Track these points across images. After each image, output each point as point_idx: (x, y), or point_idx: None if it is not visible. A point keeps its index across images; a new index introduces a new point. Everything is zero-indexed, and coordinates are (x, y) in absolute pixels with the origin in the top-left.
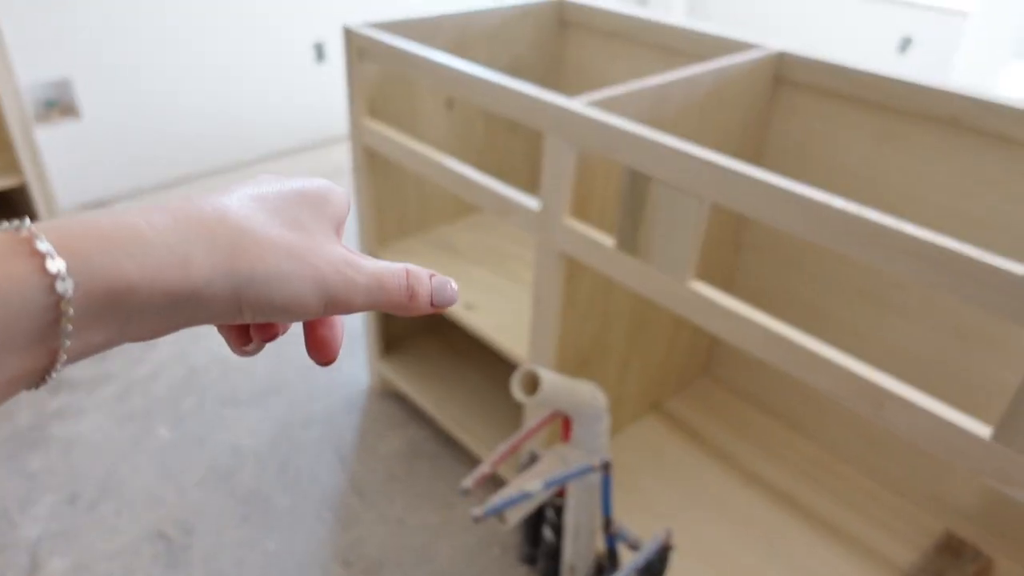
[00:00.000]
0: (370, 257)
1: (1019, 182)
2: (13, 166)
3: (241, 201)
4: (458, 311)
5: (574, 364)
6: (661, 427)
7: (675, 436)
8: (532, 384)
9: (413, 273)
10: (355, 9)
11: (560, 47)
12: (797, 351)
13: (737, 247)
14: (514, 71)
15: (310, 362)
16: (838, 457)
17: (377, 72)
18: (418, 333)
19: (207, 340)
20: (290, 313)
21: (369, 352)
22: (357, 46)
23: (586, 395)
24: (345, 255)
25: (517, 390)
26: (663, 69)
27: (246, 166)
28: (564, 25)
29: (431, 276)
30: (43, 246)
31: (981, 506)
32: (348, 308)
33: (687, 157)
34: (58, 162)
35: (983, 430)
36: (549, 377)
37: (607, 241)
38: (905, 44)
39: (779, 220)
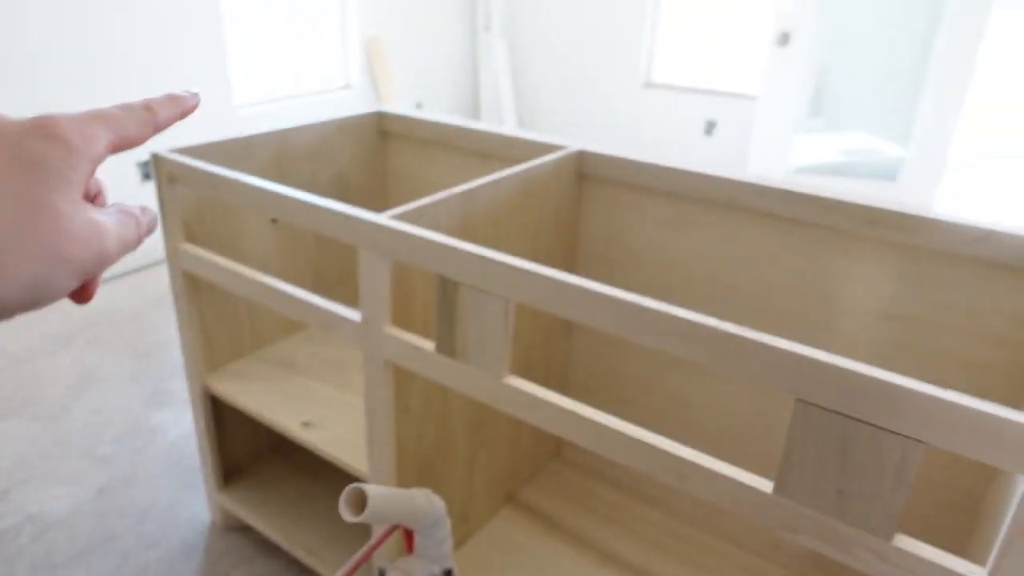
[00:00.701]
0: (89, 204)
1: (791, 254)
2: None
3: None
4: (296, 430)
5: (416, 469)
6: (518, 519)
7: (531, 526)
8: (361, 502)
9: (132, 212)
10: (175, 128)
11: (383, 158)
12: (606, 433)
13: (568, 331)
14: (339, 184)
15: (141, 505)
16: (683, 521)
17: (193, 194)
18: (260, 457)
19: (16, 495)
20: (42, 307)
21: (207, 485)
22: (167, 172)
23: (421, 503)
24: (93, 220)
25: (345, 511)
26: (480, 173)
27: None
28: (385, 136)
29: (141, 210)
30: None
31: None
32: (102, 271)
33: (488, 262)
34: None
35: (766, 485)
36: (376, 492)
37: (428, 346)
38: (710, 127)
39: (570, 312)
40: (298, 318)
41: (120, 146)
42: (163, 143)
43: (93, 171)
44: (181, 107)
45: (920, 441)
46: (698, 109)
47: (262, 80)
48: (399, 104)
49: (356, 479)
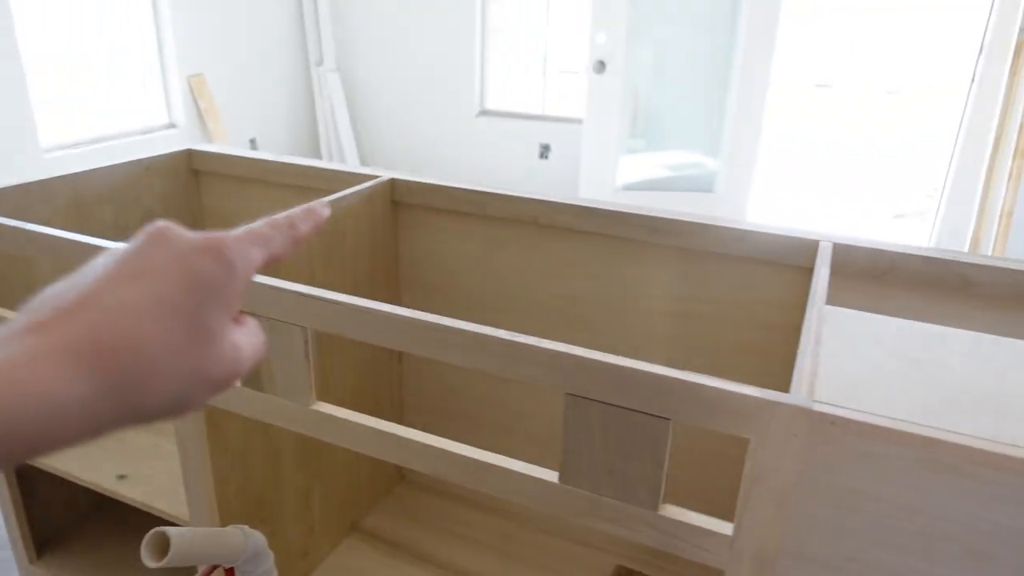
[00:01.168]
0: (233, 325)
1: (590, 265)
2: None
3: (142, 310)
4: (111, 484)
5: (242, 510)
6: (362, 547)
7: (376, 553)
8: (164, 546)
9: (258, 328)
10: None
11: (196, 197)
12: (407, 444)
13: (398, 356)
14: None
15: None
16: (521, 524)
17: None
18: (82, 519)
19: None
20: (176, 419)
21: (18, 558)
22: None
23: (235, 540)
24: (235, 343)
25: (147, 557)
26: (292, 205)
27: None
28: (197, 175)
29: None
30: None
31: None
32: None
33: (280, 292)
34: None
35: (553, 476)
36: (179, 533)
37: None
38: (545, 151)
39: (361, 334)
40: None
41: (267, 264)
42: None
43: (245, 291)
44: (316, 220)
45: (666, 418)
46: (532, 134)
47: (78, 121)
48: (228, 145)
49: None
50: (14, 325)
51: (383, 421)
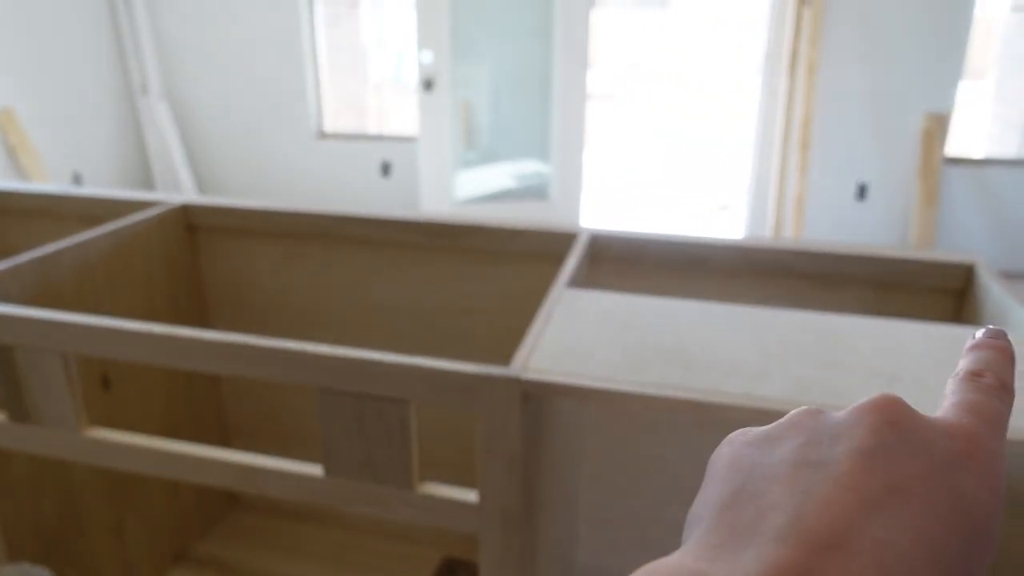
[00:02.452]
0: None
1: (385, 271)
2: None
3: (909, 561)
4: None
5: (38, 550)
6: (190, 575)
7: None
8: None
9: None
10: None
11: None
12: (182, 459)
13: (216, 379)
14: None
15: None
16: (356, 532)
17: None
18: None
19: None
20: None
21: None
22: None
23: None
24: None
25: None
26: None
27: None
28: None
29: None
30: None
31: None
32: None
33: (34, 322)
34: None
35: (318, 470)
36: None
37: None
38: (386, 169)
39: (134, 355)
40: None
41: None
42: None
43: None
44: (1000, 348)
45: (406, 400)
46: (372, 153)
47: None
48: (48, 182)
49: None
50: (726, 549)
51: (156, 439)
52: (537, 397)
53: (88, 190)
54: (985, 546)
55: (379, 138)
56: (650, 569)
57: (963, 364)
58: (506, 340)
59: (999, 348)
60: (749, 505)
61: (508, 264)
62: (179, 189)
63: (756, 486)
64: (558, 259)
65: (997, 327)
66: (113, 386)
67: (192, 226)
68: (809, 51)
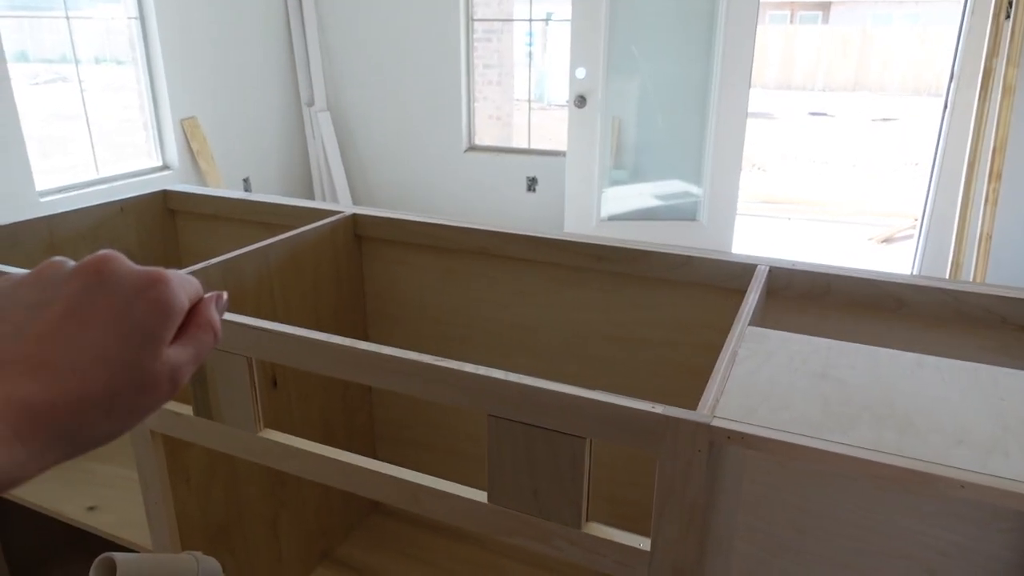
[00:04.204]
0: (170, 349)
1: (538, 291)
2: None
3: (85, 369)
4: (80, 516)
5: (205, 539)
6: None
7: None
8: (111, 573)
9: (210, 319)
10: None
11: (172, 234)
12: (345, 469)
13: (369, 387)
14: None
15: None
16: (493, 551)
17: None
18: (55, 551)
19: None
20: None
21: None
22: None
23: (188, 566)
24: (172, 368)
25: None
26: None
27: None
28: (172, 214)
29: (217, 299)
30: None
31: None
32: None
33: (226, 324)
34: None
35: (482, 496)
36: (128, 560)
37: (186, 410)
38: (532, 184)
39: (311, 364)
40: None
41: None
42: None
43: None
44: (222, 306)
45: (581, 437)
46: (518, 167)
47: (73, 166)
48: (222, 186)
49: None
50: None
51: (325, 447)
52: (720, 444)
53: (266, 197)
54: (159, 343)
55: (526, 152)
56: None
57: None
58: (665, 373)
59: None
60: None
61: (671, 292)
62: (336, 197)
63: (10, 324)
64: (728, 291)
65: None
66: (279, 386)
67: (359, 236)
68: (1008, 70)
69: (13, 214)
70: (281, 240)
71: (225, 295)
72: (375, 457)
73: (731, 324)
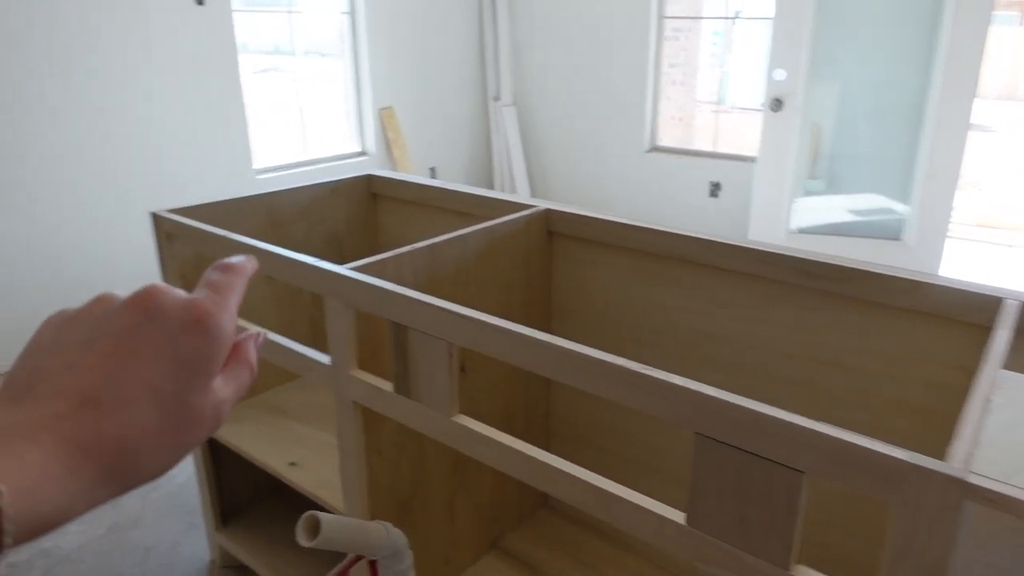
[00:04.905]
0: (215, 385)
1: (739, 304)
2: None
3: (136, 402)
4: (283, 470)
5: (391, 509)
6: (501, 565)
7: (514, 573)
8: (316, 528)
9: (248, 358)
10: (203, 191)
11: (373, 216)
12: (538, 466)
13: (547, 383)
14: (332, 243)
15: (146, 543)
16: (664, 570)
17: (191, 250)
18: (257, 497)
19: None
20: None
21: (207, 525)
22: (165, 230)
23: (378, 534)
24: (216, 404)
25: (301, 536)
26: (456, 229)
27: None
28: (375, 197)
29: (255, 340)
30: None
31: None
32: None
33: (428, 307)
34: None
35: (680, 516)
36: (328, 519)
37: (387, 386)
38: (715, 189)
39: (499, 353)
40: (278, 363)
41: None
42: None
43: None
44: (253, 266)
45: (800, 471)
46: (703, 171)
47: (284, 148)
48: (411, 173)
49: None
50: (14, 402)
51: (519, 441)
52: (972, 504)
53: (461, 187)
54: (207, 376)
55: (711, 156)
56: None
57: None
58: (878, 408)
59: (239, 269)
60: (32, 373)
61: (893, 319)
62: (515, 190)
63: (42, 359)
64: (965, 325)
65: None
66: (466, 372)
67: (550, 232)
68: None
69: (235, 189)
70: (479, 230)
71: (262, 336)
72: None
73: (968, 362)
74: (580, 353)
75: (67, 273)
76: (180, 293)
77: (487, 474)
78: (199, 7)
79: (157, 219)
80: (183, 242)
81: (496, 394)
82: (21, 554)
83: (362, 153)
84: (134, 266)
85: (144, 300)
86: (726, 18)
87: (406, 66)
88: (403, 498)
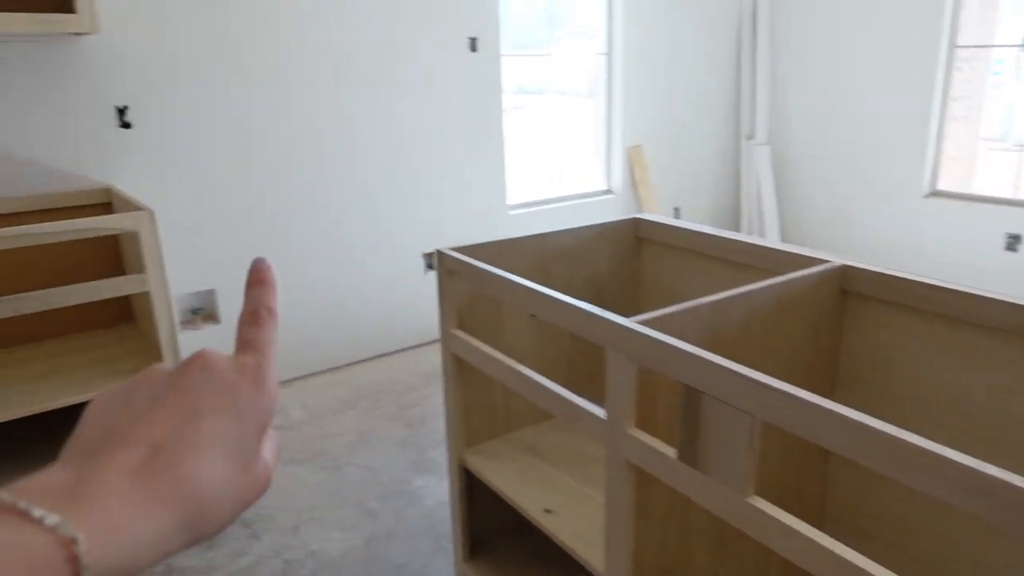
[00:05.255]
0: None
1: None
2: None
3: (206, 452)
4: (538, 514)
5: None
6: None
7: None
8: None
9: (278, 438)
10: (459, 226)
11: (637, 263)
12: (846, 568)
13: (825, 457)
14: (593, 287)
15: (398, 560)
16: None
17: (467, 287)
18: (504, 534)
19: (304, 532)
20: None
21: (455, 552)
22: (447, 266)
23: None
24: (265, 462)
25: None
26: (733, 284)
27: (356, 365)
28: (640, 242)
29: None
30: (83, 556)
31: None
32: None
33: (734, 375)
34: None
35: None
36: None
37: (670, 452)
38: (1013, 242)
39: (822, 438)
40: (547, 408)
41: None
42: (447, 241)
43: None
44: (271, 283)
45: None
46: (996, 220)
47: (532, 185)
48: (656, 213)
49: (590, 574)
50: (86, 457)
51: (827, 537)
52: None
53: (743, 237)
54: (261, 430)
55: (1007, 203)
56: (31, 480)
57: (244, 306)
58: None
59: (263, 281)
60: (100, 431)
61: None
62: (763, 234)
63: (107, 419)
64: None
65: (260, 258)
66: None
67: (844, 291)
68: None
69: (489, 225)
70: (768, 286)
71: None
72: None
73: None
74: (924, 449)
75: (331, 303)
76: (228, 355)
77: (750, 549)
78: (473, 53)
79: (441, 256)
80: (462, 278)
81: (767, 465)
82: (295, 552)
83: (608, 191)
84: (395, 296)
85: (199, 361)
86: (1013, 46)
87: (656, 104)
88: (667, 566)
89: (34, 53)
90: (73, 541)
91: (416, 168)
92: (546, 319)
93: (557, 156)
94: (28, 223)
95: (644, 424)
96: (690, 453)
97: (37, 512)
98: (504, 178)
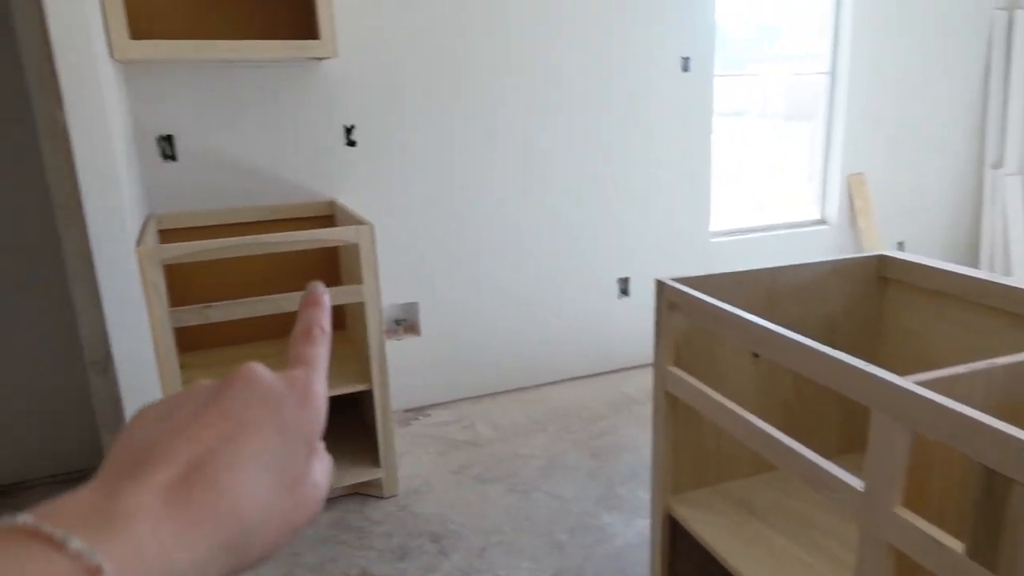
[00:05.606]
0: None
1: None
2: (364, 375)
3: (248, 472)
4: None
5: None
6: None
7: None
8: None
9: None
10: (658, 251)
11: (877, 306)
12: None
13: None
14: (826, 328)
15: None
16: None
17: (686, 321)
18: None
19: (491, 555)
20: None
21: None
22: (668, 299)
23: None
24: (315, 482)
25: None
26: (1010, 341)
27: (544, 387)
28: (883, 282)
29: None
30: None
31: None
32: None
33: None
34: (394, 371)
35: None
36: None
37: (954, 544)
38: None
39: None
40: (778, 464)
41: None
42: (643, 267)
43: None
44: (323, 307)
45: None
46: None
47: (733, 211)
48: (877, 246)
49: None
50: (122, 478)
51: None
52: None
53: (1014, 282)
54: (308, 448)
55: None
56: (60, 501)
57: (298, 324)
58: None
59: (318, 303)
60: (139, 447)
61: None
62: (1009, 272)
63: (147, 434)
64: None
65: (316, 282)
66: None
67: None
68: None
69: (689, 252)
70: None
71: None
72: None
73: None
74: None
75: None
76: (274, 372)
77: None
78: (684, 73)
79: (661, 287)
80: (683, 312)
81: None
82: (482, 575)
83: (821, 221)
84: (587, 320)
85: (245, 374)
86: None
87: (885, 129)
88: None
89: (277, 76)
90: (99, 570)
91: (617, 190)
92: (784, 363)
93: (761, 182)
94: (258, 232)
95: (911, 503)
96: (987, 553)
97: (61, 537)
98: (708, 203)
